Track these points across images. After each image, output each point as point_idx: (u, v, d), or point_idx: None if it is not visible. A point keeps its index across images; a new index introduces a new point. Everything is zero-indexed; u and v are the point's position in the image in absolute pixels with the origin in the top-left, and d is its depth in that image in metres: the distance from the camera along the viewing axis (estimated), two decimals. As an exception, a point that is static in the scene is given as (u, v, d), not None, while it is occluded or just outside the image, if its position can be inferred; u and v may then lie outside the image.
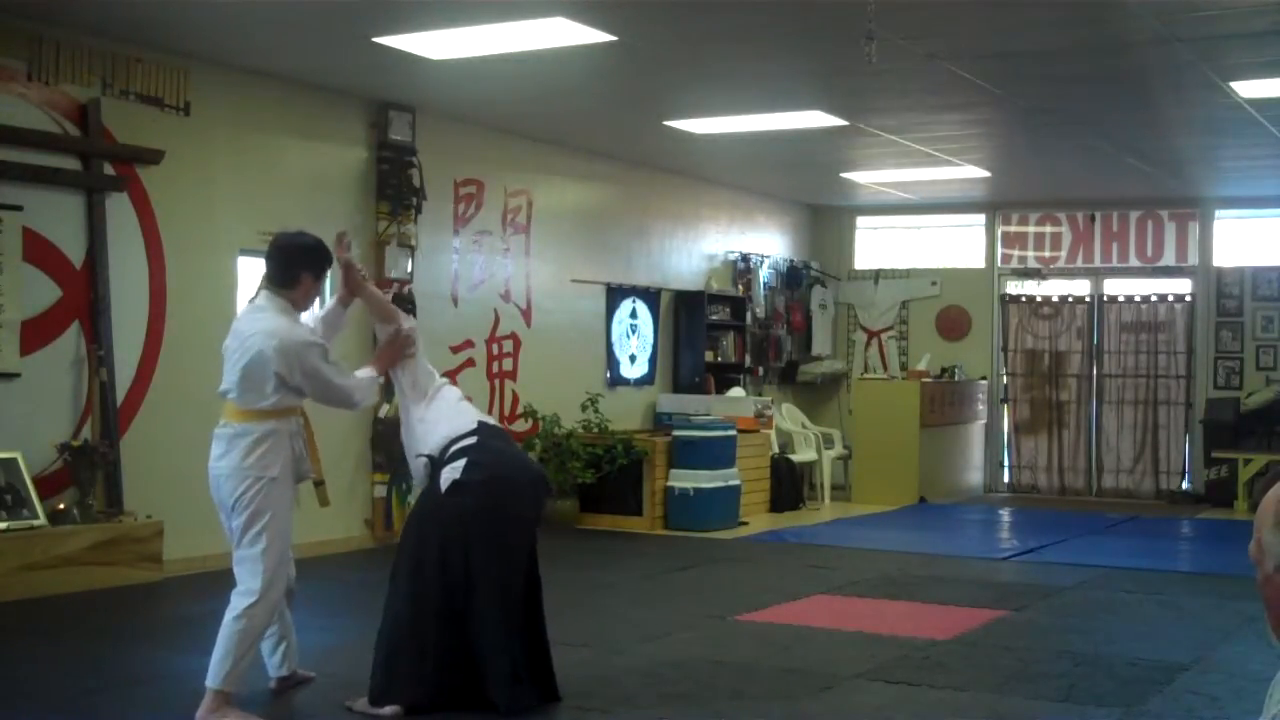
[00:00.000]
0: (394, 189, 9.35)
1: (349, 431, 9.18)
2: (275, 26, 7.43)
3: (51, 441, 7.39)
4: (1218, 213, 13.52)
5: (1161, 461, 13.67)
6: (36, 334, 7.37)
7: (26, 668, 5.56)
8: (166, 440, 7.95)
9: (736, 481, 10.94)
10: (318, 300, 5.31)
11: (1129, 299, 13.87)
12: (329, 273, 5.10)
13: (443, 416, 5.02)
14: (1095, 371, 13.99)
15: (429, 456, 4.95)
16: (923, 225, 15.08)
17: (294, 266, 4.91)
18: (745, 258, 13.70)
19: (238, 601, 4.78)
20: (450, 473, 4.84)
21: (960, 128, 10.04)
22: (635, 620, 6.72)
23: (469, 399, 5.38)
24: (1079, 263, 14.08)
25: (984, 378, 14.25)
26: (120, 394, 7.74)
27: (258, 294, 4.94)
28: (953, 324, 14.49)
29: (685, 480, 10.58)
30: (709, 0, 6.72)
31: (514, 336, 10.69)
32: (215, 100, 8.24)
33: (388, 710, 4.79)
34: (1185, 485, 13.58)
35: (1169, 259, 13.75)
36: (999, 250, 14.39)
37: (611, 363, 11.88)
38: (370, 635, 5.04)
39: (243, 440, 4.78)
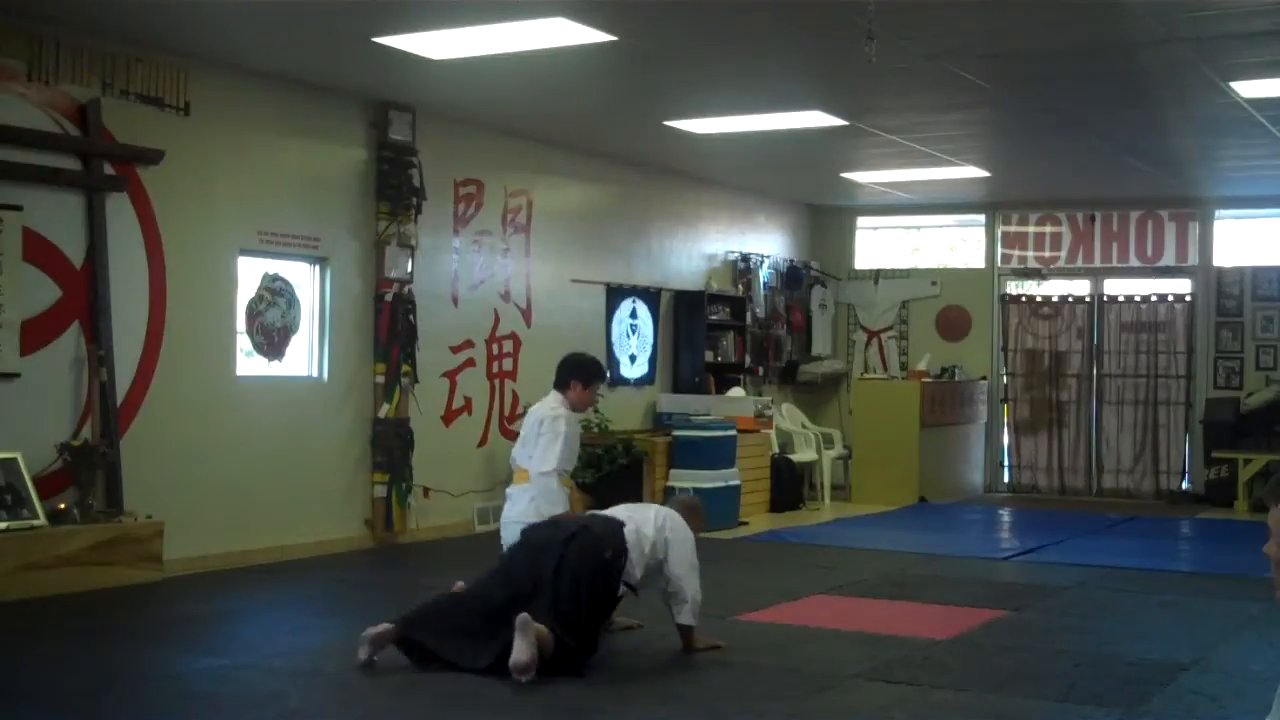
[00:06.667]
0: (394, 189, 9.34)
1: (349, 431, 9.19)
2: (275, 26, 7.43)
3: (51, 441, 7.39)
4: (1218, 213, 13.52)
5: (1161, 461, 13.67)
6: (36, 334, 7.37)
7: (26, 668, 5.55)
8: (166, 440, 7.96)
9: (736, 481, 10.94)
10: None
11: (1129, 299, 13.86)
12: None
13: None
14: (1095, 371, 13.98)
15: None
16: (923, 225, 15.09)
17: (566, 375, 6.47)
18: (745, 258, 13.70)
19: None
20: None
21: (960, 128, 10.04)
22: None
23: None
24: (1079, 263, 14.08)
25: (984, 378, 14.25)
26: (120, 394, 7.74)
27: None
28: (953, 324, 14.48)
29: (685, 480, 10.57)
30: (709, 0, 6.72)
31: (514, 336, 10.69)
32: (215, 100, 8.23)
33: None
34: (1185, 485, 13.57)
35: (1169, 259, 13.75)
36: (999, 250, 14.39)
37: (611, 363, 11.86)
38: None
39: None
